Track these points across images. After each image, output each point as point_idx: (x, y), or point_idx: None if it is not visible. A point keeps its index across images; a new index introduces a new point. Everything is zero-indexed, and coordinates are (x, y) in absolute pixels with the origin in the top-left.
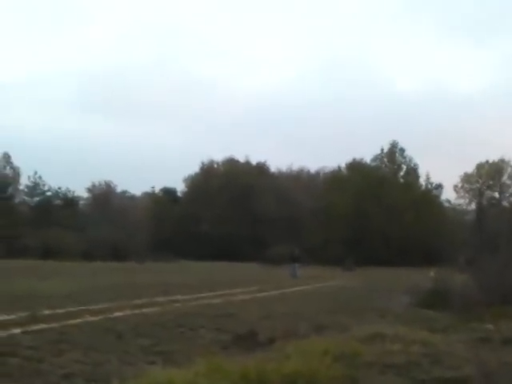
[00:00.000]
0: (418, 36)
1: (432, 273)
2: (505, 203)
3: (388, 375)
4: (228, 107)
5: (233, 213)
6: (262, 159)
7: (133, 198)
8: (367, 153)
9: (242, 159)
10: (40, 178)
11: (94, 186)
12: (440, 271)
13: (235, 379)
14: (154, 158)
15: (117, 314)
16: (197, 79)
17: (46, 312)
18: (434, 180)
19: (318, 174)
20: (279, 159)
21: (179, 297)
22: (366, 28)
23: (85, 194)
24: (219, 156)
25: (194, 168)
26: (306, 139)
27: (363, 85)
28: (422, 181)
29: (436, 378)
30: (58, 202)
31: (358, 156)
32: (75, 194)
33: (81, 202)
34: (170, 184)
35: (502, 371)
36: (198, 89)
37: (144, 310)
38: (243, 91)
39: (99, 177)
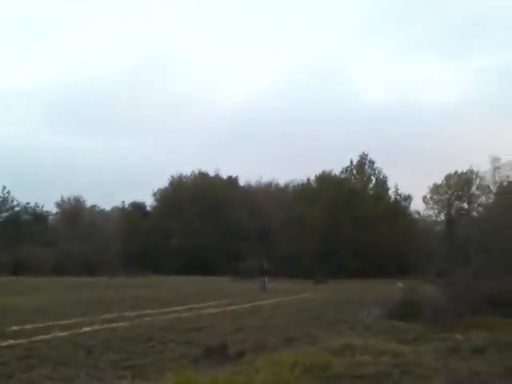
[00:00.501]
0: (388, 49)
1: (400, 284)
2: (474, 214)
3: None
4: (199, 122)
5: (203, 226)
6: (231, 173)
7: (102, 212)
8: (337, 165)
9: (211, 173)
10: (8, 193)
11: (63, 200)
12: (410, 282)
13: None
14: (123, 172)
15: (86, 328)
16: (169, 94)
17: (15, 328)
18: (403, 191)
19: (287, 186)
20: (249, 173)
21: (149, 311)
22: (335, 40)
23: (54, 209)
24: (189, 170)
25: (163, 183)
26: (274, 153)
27: (333, 97)
28: (391, 192)
29: None
30: (26, 217)
31: (327, 168)
32: (44, 209)
33: (50, 217)
34: (140, 198)
35: (472, 381)
36: (171, 104)
37: (113, 325)
38: (215, 106)
39: (68, 192)
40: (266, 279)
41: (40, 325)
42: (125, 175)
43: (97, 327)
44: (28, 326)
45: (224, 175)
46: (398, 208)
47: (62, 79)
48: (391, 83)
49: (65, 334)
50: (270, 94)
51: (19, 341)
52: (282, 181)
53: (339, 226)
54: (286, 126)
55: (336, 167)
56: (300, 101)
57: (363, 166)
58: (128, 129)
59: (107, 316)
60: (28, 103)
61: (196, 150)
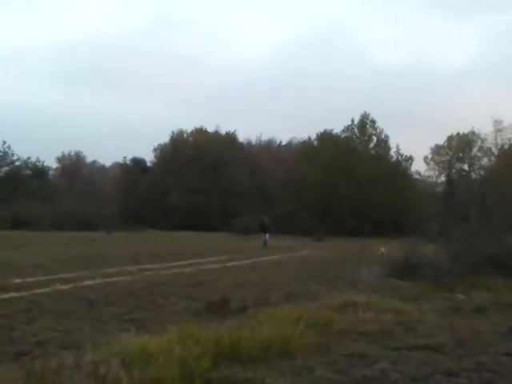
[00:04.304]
0: (398, 10)
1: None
2: (474, 175)
3: (361, 343)
4: (204, 80)
5: (202, 183)
6: (231, 129)
7: (103, 168)
8: (340, 125)
9: (212, 130)
10: (9, 147)
11: (63, 156)
12: (410, 241)
13: (208, 346)
14: (125, 128)
15: (87, 282)
16: (174, 52)
17: (17, 281)
18: (405, 152)
19: (288, 144)
20: (250, 131)
21: (149, 266)
22: (343, 1)
23: (54, 165)
24: (191, 127)
25: (164, 139)
26: (277, 112)
27: (339, 58)
28: (393, 152)
29: (409, 346)
30: (27, 172)
31: (330, 127)
32: (45, 165)
33: (50, 173)
34: (140, 154)
35: (475, 340)
36: (175, 62)
37: (115, 279)
38: (220, 65)
39: (69, 147)
40: (267, 236)
41: (41, 278)
42: (126, 131)
43: (98, 281)
44: (29, 280)
45: (223, 132)
46: (399, 168)
47: (66, 35)
48: (398, 45)
49: (66, 287)
50: (274, 54)
51: (21, 293)
52: (284, 139)
53: (338, 185)
54: (290, 85)
55: (338, 126)
56: (305, 61)
57: (365, 125)
58: (131, 85)
59: (108, 270)
60: (30, 59)
61: (199, 107)
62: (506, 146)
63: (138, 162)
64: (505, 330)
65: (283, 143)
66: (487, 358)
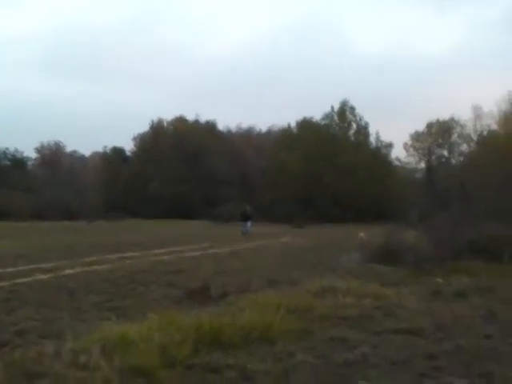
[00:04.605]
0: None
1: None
2: (454, 161)
3: (341, 328)
4: (183, 69)
5: (183, 172)
6: (211, 118)
7: (82, 158)
8: (320, 112)
9: (192, 119)
10: None
11: (42, 146)
12: (391, 227)
13: (189, 332)
14: (104, 117)
15: (68, 271)
16: (155, 42)
17: None
18: (385, 139)
19: (268, 132)
20: (230, 119)
21: (130, 254)
22: None
23: (34, 155)
24: (170, 115)
25: (144, 128)
26: (258, 99)
27: (320, 45)
28: (372, 139)
29: (389, 330)
30: (6, 162)
31: (309, 115)
32: (24, 155)
33: (29, 163)
34: (120, 144)
35: (455, 323)
36: (156, 51)
37: (95, 268)
38: (200, 53)
39: (49, 137)
40: (249, 223)
41: (21, 268)
42: (106, 120)
43: (78, 270)
44: (10, 269)
45: (203, 120)
46: (379, 155)
47: (44, 25)
48: (378, 33)
49: (46, 276)
50: (254, 42)
51: (1, 283)
52: (264, 127)
53: (318, 172)
54: (270, 73)
55: (318, 114)
56: (284, 49)
57: (344, 112)
58: (111, 74)
59: (88, 259)
60: (7, 49)
61: (178, 96)
62: (485, 133)
63: (118, 152)
64: (485, 314)
65: (263, 131)
66: (467, 341)
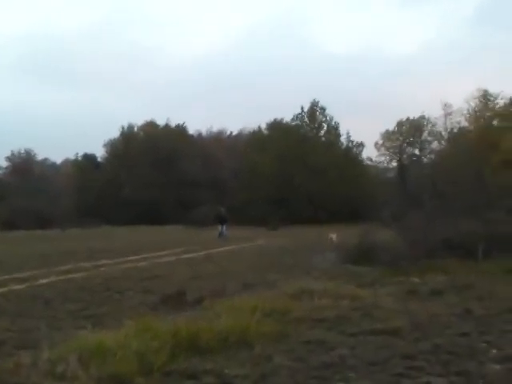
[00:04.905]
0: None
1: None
2: (425, 160)
3: (318, 330)
4: (152, 73)
5: (155, 177)
6: (181, 122)
7: (54, 165)
8: (290, 114)
9: (162, 123)
10: None
11: (13, 154)
12: (364, 227)
13: (166, 338)
14: (75, 124)
15: (42, 280)
16: (123, 47)
17: None
18: (355, 138)
19: (239, 134)
20: (201, 123)
21: (104, 261)
22: None
23: (4, 163)
24: (141, 121)
25: (115, 133)
26: (228, 101)
27: (289, 46)
28: (343, 139)
29: (367, 331)
30: None
31: (279, 116)
32: None
33: (0, 172)
34: (91, 150)
35: (432, 322)
36: (125, 57)
37: (70, 276)
38: (168, 58)
39: (19, 145)
40: (224, 226)
41: None
42: (76, 127)
43: (53, 279)
44: None
45: (174, 125)
46: (350, 155)
47: (13, 29)
48: (347, 32)
49: (21, 286)
50: (222, 44)
51: None
52: (234, 130)
53: (291, 173)
54: (239, 75)
55: (288, 115)
56: (253, 50)
57: (314, 112)
58: (80, 81)
59: (63, 267)
60: None
61: (148, 101)
62: (456, 130)
63: (90, 158)
64: (461, 312)
65: (234, 133)
66: (444, 339)
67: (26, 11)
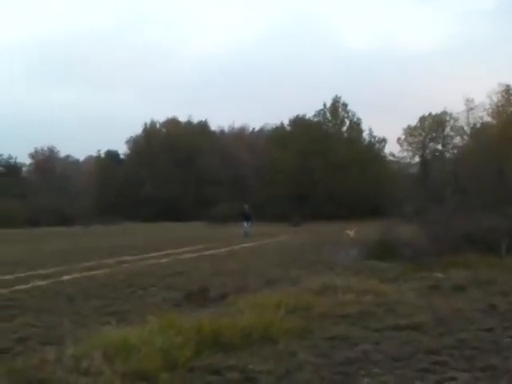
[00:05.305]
0: None
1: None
2: (448, 155)
3: (342, 325)
4: (175, 70)
5: (176, 173)
6: (203, 119)
7: (76, 162)
8: (312, 110)
9: (184, 120)
10: None
11: (36, 151)
12: (387, 223)
13: (190, 335)
14: (98, 121)
15: (66, 277)
16: (146, 44)
17: None
18: (378, 134)
19: (261, 131)
20: (223, 118)
21: (127, 258)
22: None
23: (28, 161)
24: (163, 117)
25: (137, 130)
26: (251, 98)
27: (311, 42)
28: (365, 135)
29: (390, 326)
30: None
31: (302, 112)
32: (17, 161)
33: (23, 169)
34: (114, 147)
35: (454, 317)
36: (147, 53)
37: (93, 273)
38: (191, 54)
39: (42, 143)
40: (248, 224)
41: (19, 275)
42: (99, 124)
43: (76, 275)
44: (8, 277)
45: (196, 121)
46: (372, 151)
47: (35, 30)
48: (370, 28)
49: (45, 282)
50: (245, 41)
51: (0, 291)
52: (256, 126)
53: (312, 169)
54: (262, 72)
55: (310, 111)
56: (276, 47)
57: (336, 109)
58: (102, 78)
59: (86, 264)
60: (3, 56)
61: (170, 98)
62: (478, 125)
63: (112, 155)
64: (484, 307)
65: (256, 130)
66: (468, 335)
67: (51, 15)
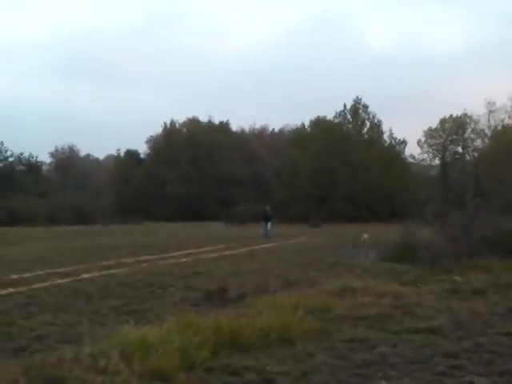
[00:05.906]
0: None
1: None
2: (468, 157)
3: (360, 328)
4: (195, 70)
5: (196, 173)
6: (224, 118)
7: (96, 161)
8: (332, 111)
9: (205, 120)
10: (2, 143)
11: (57, 150)
12: (406, 225)
13: (208, 335)
14: (118, 120)
15: (85, 275)
16: (166, 44)
17: (14, 276)
18: (398, 136)
19: (281, 131)
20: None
21: (147, 257)
22: None
23: (48, 159)
24: (183, 117)
25: (157, 130)
26: (271, 98)
27: (332, 43)
28: (386, 137)
29: (409, 329)
30: (20, 167)
31: (322, 113)
32: (38, 159)
33: (44, 167)
34: (134, 146)
35: (474, 321)
36: (168, 54)
37: (112, 271)
38: (213, 55)
39: (62, 141)
40: (269, 224)
41: (38, 273)
42: (119, 123)
43: (95, 274)
44: (27, 275)
45: (216, 121)
46: (392, 152)
47: (57, 30)
48: (390, 30)
49: (64, 281)
50: (266, 42)
51: (19, 289)
52: (277, 127)
53: (333, 171)
54: (283, 73)
55: (331, 112)
56: (297, 48)
57: (357, 110)
58: (123, 77)
59: (105, 263)
60: (22, 55)
61: (191, 97)
62: (499, 127)
63: (132, 154)
64: (504, 311)
65: (276, 130)
66: (487, 338)
67: (76, 13)
